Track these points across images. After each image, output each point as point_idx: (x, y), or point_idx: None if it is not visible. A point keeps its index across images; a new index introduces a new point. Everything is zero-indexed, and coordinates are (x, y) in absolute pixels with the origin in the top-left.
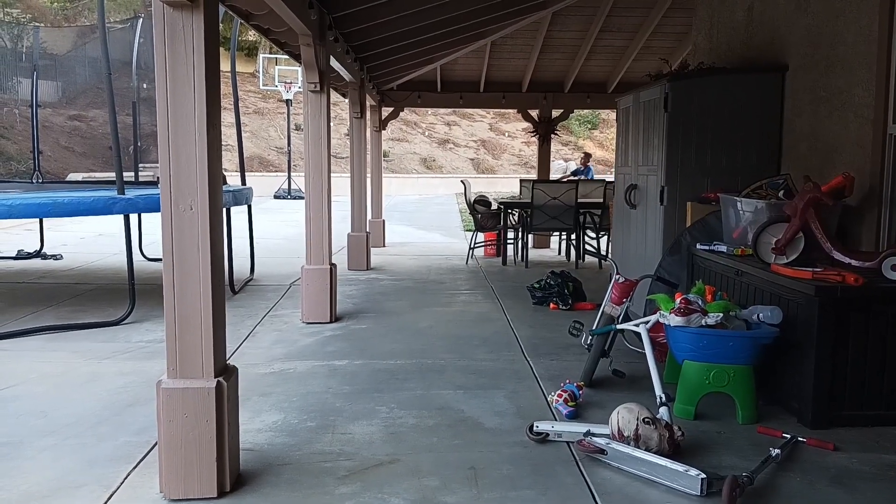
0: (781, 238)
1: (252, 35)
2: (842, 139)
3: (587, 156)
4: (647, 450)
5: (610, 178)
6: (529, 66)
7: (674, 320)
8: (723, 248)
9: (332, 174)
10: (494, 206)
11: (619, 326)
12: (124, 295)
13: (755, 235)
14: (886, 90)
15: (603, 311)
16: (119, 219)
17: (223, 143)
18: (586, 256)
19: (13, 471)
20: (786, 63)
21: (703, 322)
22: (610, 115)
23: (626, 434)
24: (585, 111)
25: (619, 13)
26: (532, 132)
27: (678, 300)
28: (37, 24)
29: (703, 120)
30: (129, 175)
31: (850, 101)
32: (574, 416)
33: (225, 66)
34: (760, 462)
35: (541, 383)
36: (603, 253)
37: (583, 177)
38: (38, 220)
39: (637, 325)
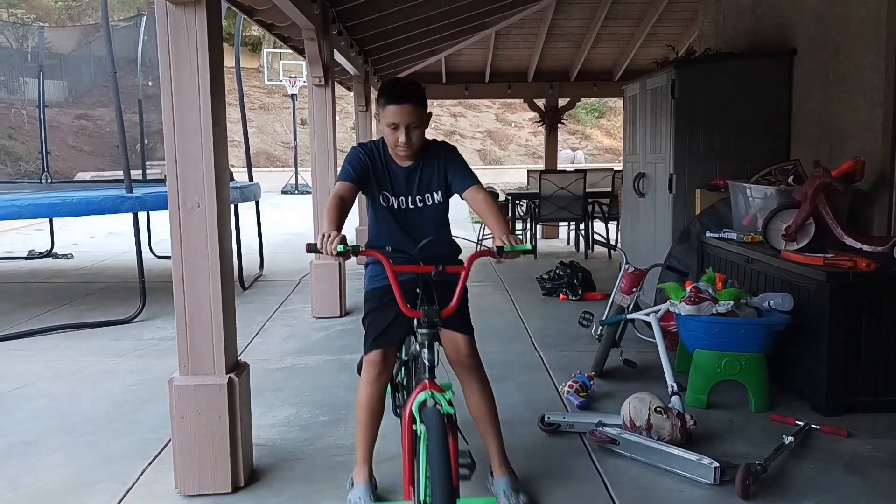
0: (792, 224)
1: (256, 30)
2: (851, 123)
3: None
4: (660, 439)
5: (617, 167)
6: (535, 55)
7: (684, 309)
8: (733, 236)
9: (338, 168)
10: (502, 197)
11: (629, 316)
12: (135, 293)
13: (765, 222)
14: None
15: (613, 301)
16: (128, 217)
17: (229, 139)
18: (595, 246)
19: (30, 469)
20: (793, 47)
21: (713, 310)
22: (617, 102)
23: (638, 424)
24: (592, 99)
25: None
26: (539, 122)
27: (688, 289)
28: (41, 23)
29: (710, 106)
30: (136, 173)
31: (860, 85)
32: (585, 407)
33: (229, 61)
34: (774, 450)
35: (552, 374)
36: (612, 242)
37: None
38: (48, 219)
39: (647, 315)
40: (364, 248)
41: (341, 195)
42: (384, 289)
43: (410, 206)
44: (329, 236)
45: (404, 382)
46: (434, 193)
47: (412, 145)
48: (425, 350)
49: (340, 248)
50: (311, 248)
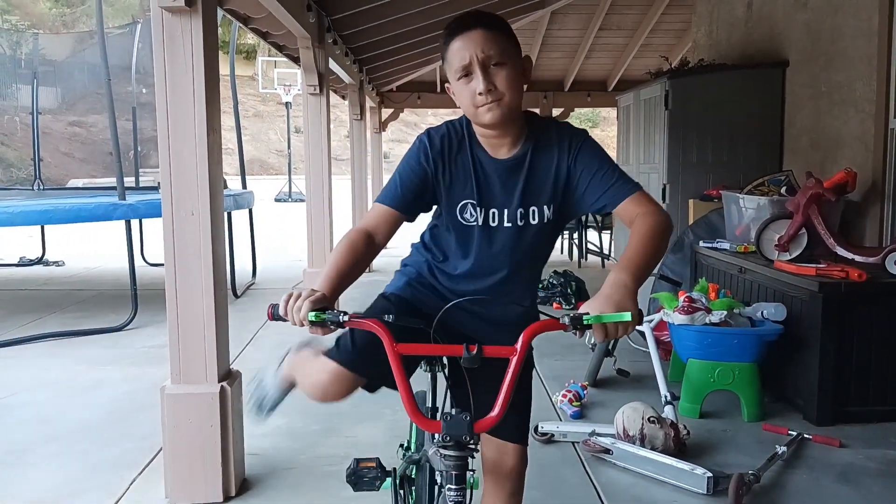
0: (784, 235)
1: (251, 38)
2: (843, 134)
3: None
4: (653, 449)
5: None
6: None
7: (678, 319)
8: (726, 246)
9: (332, 176)
10: None
11: None
12: (127, 301)
13: (758, 232)
14: (887, 84)
15: None
16: (121, 224)
17: (223, 146)
18: (589, 255)
19: (18, 478)
20: (786, 58)
21: (706, 320)
22: (611, 113)
23: (631, 433)
24: (586, 110)
25: (617, 11)
26: None
27: (682, 298)
28: (35, 30)
29: (704, 117)
30: (129, 180)
31: (851, 96)
32: (579, 417)
33: (224, 69)
34: (766, 460)
35: (545, 383)
36: (606, 252)
37: None
38: (39, 227)
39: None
40: (351, 316)
41: (370, 230)
42: (403, 306)
43: (506, 224)
44: (299, 297)
45: (412, 475)
46: (545, 208)
47: (501, 95)
48: (451, 487)
49: (313, 316)
50: (275, 315)
